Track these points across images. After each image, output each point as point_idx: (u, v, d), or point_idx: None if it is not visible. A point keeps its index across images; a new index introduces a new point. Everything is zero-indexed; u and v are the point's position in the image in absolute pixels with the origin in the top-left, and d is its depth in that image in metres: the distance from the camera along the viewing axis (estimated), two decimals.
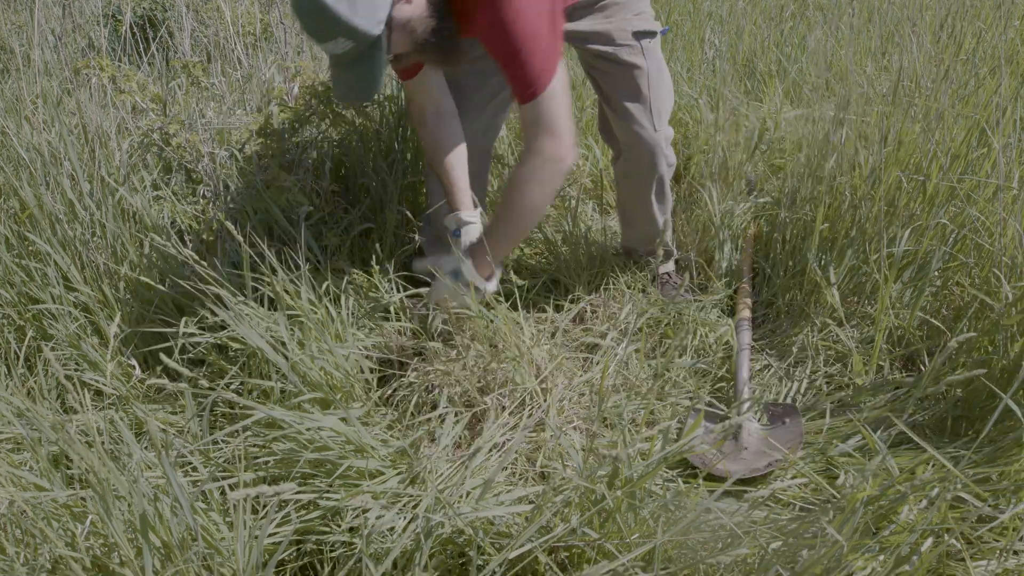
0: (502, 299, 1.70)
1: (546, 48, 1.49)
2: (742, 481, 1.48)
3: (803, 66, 3.29)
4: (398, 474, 1.39)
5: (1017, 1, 3.30)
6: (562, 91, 1.55)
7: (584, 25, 1.79)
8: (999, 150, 1.74)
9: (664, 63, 1.89)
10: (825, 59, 3.08)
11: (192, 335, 1.66)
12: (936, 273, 1.84)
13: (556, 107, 1.54)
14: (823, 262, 1.96)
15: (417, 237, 2.07)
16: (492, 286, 1.69)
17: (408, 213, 2.06)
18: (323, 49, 1.44)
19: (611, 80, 1.84)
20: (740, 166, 2.39)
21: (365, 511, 1.30)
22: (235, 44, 2.73)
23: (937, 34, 2.69)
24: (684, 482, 1.48)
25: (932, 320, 1.78)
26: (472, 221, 1.77)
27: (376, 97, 2.28)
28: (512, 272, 1.79)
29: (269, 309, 1.64)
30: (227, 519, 1.27)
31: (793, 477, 1.50)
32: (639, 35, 1.81)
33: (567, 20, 1.76)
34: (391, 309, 1.82)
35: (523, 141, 1.62)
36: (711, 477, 1.49)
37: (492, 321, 1.63)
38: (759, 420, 1.66)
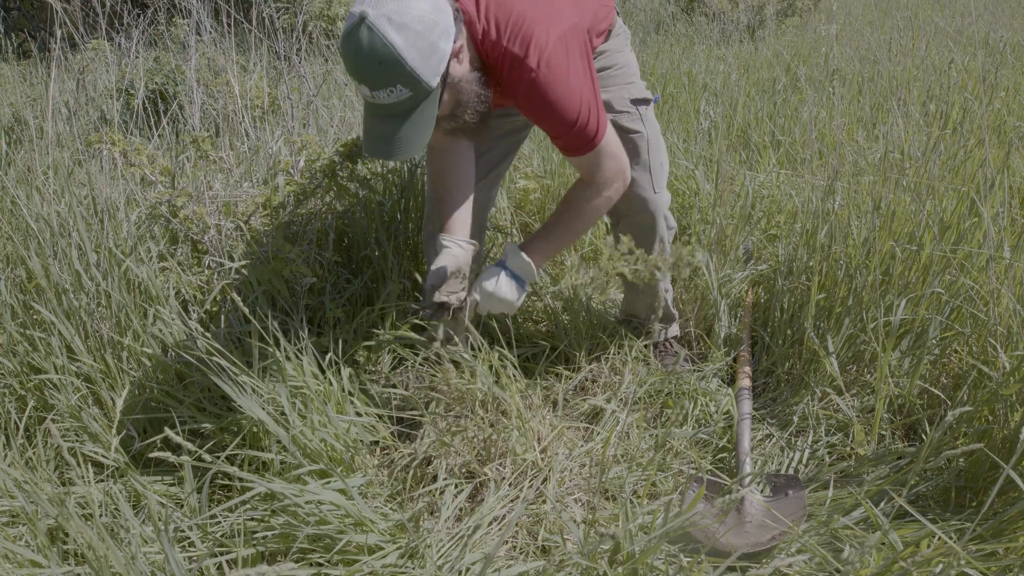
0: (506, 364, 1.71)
1: (597, 108, 1.56)
2: (746, 556, 1.46)
3: (796, 137, 3.38)
4: (397, 548, 1.38)
5: (1001, 73, 3.41)
6: (614, 137, 1.64)
7: None
8: (988, 220, 1.77)
9: (659, 129, 1.95)
10: (817, 130, 3.16)
11: (193, 408, 1.66)
12: (934, 342, 1.85)
13: (615, 152, 1.64)
14: (821, 331, 1.98)
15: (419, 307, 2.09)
16: (534, 276, 1.70)
17: (409, 284, 2.09)
18: (373, 97, 1.39)
19: None
20: (736, 235, 2.43)
21: None
22: (243, 117, 2.81)
23: (925, 106, 2.78)
24: (687, 557, 1.46)
25: (932, 389, 1.78)
26: (448, 246, 1.72)
27: (381, 169, 2.34)
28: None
29: (271, 380, 1.65)
30: None
31: (798, 551, 1.48)
32: (636, 102, 1.88)
33: None
34: (390, 378, 1.83)
35: (582, 175, 1.69)
36: (714, 552, 1.47)
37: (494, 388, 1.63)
38: (762, 491, 1.65)
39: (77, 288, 1.87)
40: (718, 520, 1.44)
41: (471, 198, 1.80)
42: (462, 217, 1.77)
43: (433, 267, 1.68)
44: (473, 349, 1.74)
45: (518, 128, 1.98)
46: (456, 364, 1.75)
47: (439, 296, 1.66)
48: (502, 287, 1.66)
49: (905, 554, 1.27)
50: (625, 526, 1.32)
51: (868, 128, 3.27)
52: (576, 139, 1.57)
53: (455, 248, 1.71)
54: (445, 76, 1.42)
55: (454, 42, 1.40)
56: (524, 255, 1.67)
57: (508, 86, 1.54)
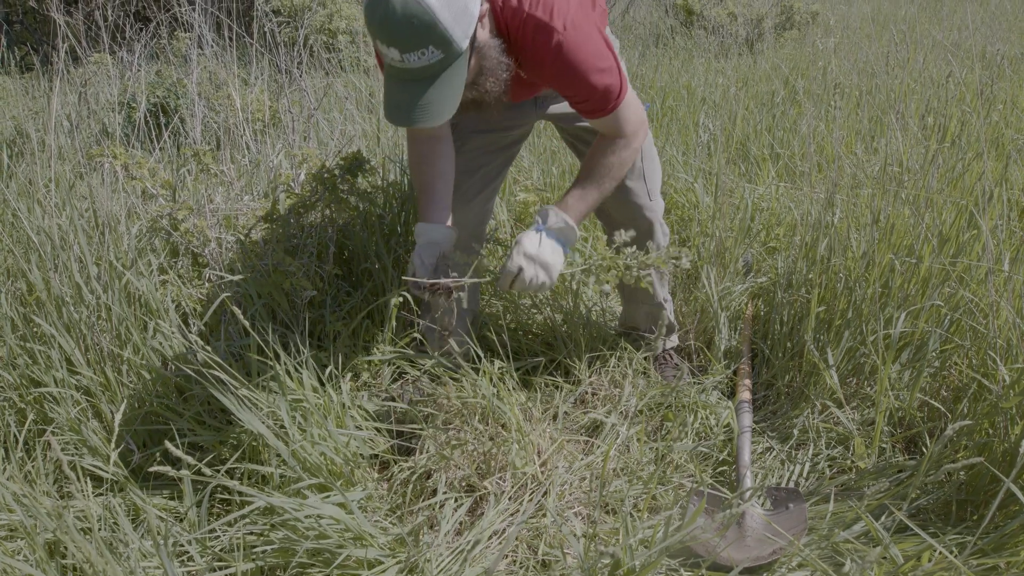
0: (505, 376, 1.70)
1: (614, 69, 1.55)
2: (747, 570, 1.45)
3: (795, 149, 3.39)
4: (397, 563, 1.37)
5: (999, 86, 3.43)
6: (631, 89, 1.63)
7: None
8: (987, 233, 1.77)
9: (651, 137, 1.95)
10: (816, 142, 3.18)
11: (192, 421, 1.66)
12: (934, 354, 1.85)
13: (635, 104, 1.63)
14: (820, 343, 1.98)
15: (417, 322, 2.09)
16: (574, 238, 1.64)
17: (410, 297, 2.08)
18: (403, 61, 1.36)
19: None
20: (736, 247, 2.43)
21: None
22: (244, 130, 2.82)
23: (923, 119, 2.79)
24: (687, 572, 1.46)
25: (932, 402, 1.78)
26: (429, 232, 1.66)
27: (382, 182, 2.35)
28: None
29: (271, 393, 1.65)
30: None
31: (798, 565, 1.47)
32: None
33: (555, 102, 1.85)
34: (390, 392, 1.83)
35: (604, 134, 1.66)
36: (715, 566, 1.47)
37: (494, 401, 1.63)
38: (762, 504, 1.64)
39: (77, 301, 1.87)
40: (719, 534, 1.44)
41: (452, 188, 1.76)
42: (443, 206, 1.72)
43: (419, 247, 1.64)
44: (471, 358, 1.74)
45: (515, 140, 1.99)
46: (455, 378, 1.75)
47: (431, 270, 1.61)
48: (546, 250, 1.55)
49: (906, 568, 1.27)
50: (625, 540, 1.32)
51: (867, 141, 3.28)
52: (603, 99, 1.56)
53: (435, 233, 1.67)
54: (473, 40, 1.40)
55: (480, 5, 1.39)
56: (564, 215, 1.60)
57: (532, 54, 1.52)
